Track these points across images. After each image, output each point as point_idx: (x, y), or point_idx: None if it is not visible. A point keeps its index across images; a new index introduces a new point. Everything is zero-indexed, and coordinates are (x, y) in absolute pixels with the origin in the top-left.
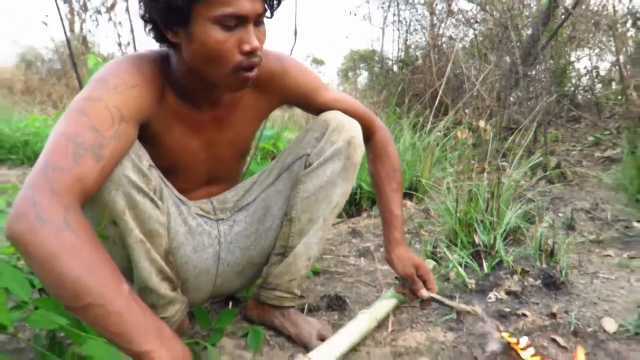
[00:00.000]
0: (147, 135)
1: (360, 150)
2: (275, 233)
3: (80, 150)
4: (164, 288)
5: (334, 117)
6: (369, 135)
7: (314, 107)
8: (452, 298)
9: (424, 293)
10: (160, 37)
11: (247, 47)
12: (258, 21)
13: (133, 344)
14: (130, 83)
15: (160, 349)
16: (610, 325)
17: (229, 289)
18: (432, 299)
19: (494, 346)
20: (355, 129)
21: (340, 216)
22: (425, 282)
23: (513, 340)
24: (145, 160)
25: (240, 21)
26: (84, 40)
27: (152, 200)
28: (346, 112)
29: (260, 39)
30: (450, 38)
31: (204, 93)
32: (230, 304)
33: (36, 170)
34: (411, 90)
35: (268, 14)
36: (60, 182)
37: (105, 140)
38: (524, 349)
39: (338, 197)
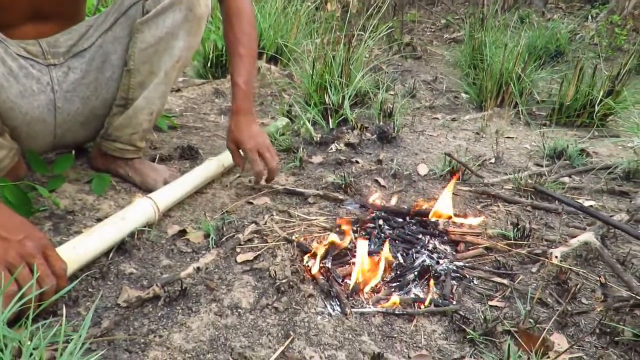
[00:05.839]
0: None
1: (204, 1)
2: (117, 83)
3: None
4: None
5: None
6: None
7: None
8: (296, 150)
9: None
10: None
11: None
12: None
13: None
14: None
15: None
16: (423, 170)
17: (73, 139)
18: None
19: (350, 205)
20: None
21: (205, 77)
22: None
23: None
24: None
25: None
26: None
27: None
28: None
29: None
30: None
31: None
32: (73, 152)
33: None
34: None
35: None
36: None
37: None
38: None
39: (180, 51)
